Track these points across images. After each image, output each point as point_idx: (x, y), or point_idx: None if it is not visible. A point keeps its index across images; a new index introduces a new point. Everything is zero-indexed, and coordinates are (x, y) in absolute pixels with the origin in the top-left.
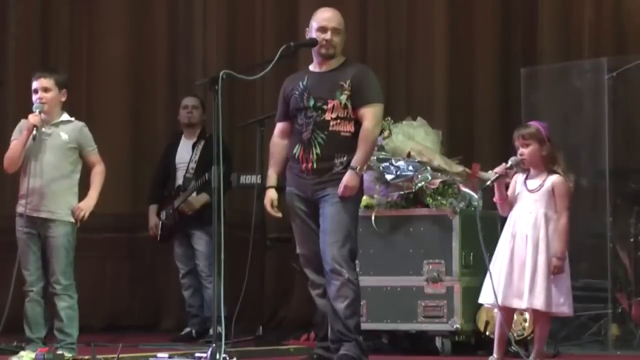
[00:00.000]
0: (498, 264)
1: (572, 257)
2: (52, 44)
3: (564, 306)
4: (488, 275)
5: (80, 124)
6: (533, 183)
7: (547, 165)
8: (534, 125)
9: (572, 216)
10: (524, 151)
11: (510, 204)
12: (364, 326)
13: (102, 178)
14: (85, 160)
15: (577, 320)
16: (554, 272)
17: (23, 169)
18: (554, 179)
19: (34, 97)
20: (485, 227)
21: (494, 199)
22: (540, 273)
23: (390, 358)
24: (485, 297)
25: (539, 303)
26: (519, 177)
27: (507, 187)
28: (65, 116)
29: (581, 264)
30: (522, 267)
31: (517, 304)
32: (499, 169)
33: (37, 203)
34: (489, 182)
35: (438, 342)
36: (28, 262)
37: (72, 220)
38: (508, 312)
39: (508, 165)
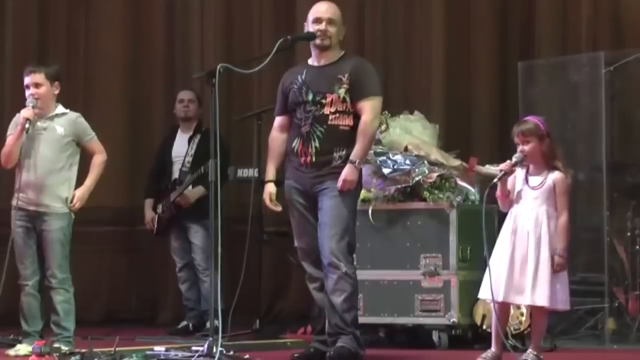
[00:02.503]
0: (498, 260)
1: (570, 251)
2: (49, 38)
3: (564, 303)
4: (488, 270)
5: (75, 114)
6: (534, 180)
7: (548, 161)
8: (533, 120)
9: (570, 211)
10: (525, 148)
11: (510, 200)
12: (361, 320)
13: (101, 168)
14: (85, 150)
15: (574, 314)
16: (556, 270)
17: (19, 163)
18: (555, 176)
19: (27, 93)
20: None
21: (496, 195)
22: (542, 269)
23: (387, 352)
24: (485, 292)
25: (542, 299)
26: (518, 173)
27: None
28: (60, 108)
29: (578, 258)
30: (523, 263)
31: (517, 300)
32: (504, 166)
33: (32, 197)
34: (495, 180)
35: (435, 336)
36: (23, 255)
37: (67, 211)
38: (504, 307)
39: (512, 162)
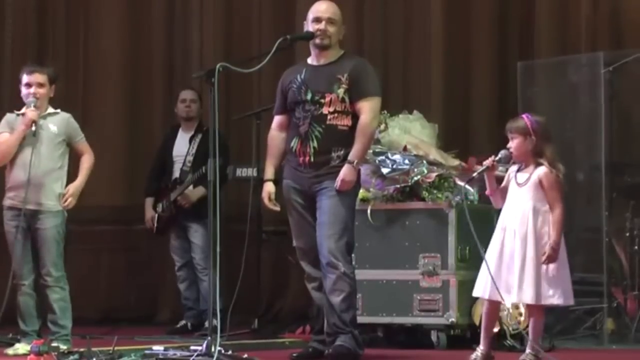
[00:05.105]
0: (488, 258)
1: (568, 251)
2: (48, 36)
3: (552, 297)
4: (483, 267)
5: (67, 115)
6: (522, 177)
7: (534, 158)
8: (522, 118)
9: (567, 209)
10: (511, 145)
11: (502, 196)
12: (360, 319)
13: (91, 166)
14: (74, 150)
15: (572, 314)
16: (546, 261)
17: (10, 162)
18: (540, 171)
19: (25, 91)
20: (481, 220)
21: (486, 192)
22: (528, 267)
23: (385, 351)
24: (478, 290)
25: (528, 297)
26: (512, 170)
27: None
28: (51, 109)
29: (577, 258)
30: (510, 261)
31: (504, 298)
32: (486, 162)
33: (26, 195)
34: (475, 174)
35: (433, 335)
36: (19, 254)
37: (61, 209)
38: (493, 305)
39: (496, 158)
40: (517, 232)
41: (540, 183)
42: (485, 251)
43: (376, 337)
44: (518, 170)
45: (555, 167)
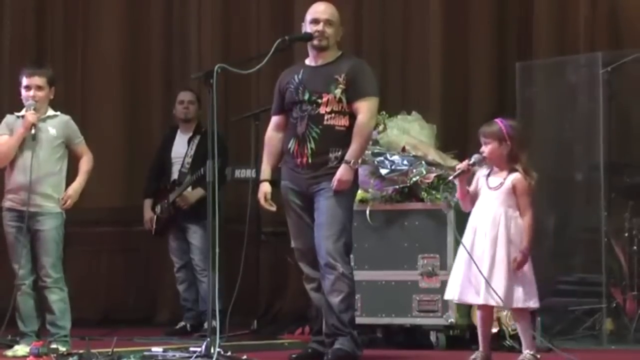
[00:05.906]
0: (459, 259)
1: (567, 251)
2: (47, 38)
3: (528, 301)
4: (453, 270)
5: (66, 117)
6: (494, 181)
7: (509, 164)
8: (497, 123)
9: (566, 209)
10: (485, 149)
11: (472, 200)
12: (359, 320)
13: (90, 168)
14: (73, 152)
15: (571, 314)
16: (516, 267)
17: (10, 164)
18: (513, 177)
19: (25, 94)
20: None
21: (456, 195)
22: (498, 270)
23: (384, 352)
24: (450, 293)
25: (495, 300)
26: (480, 173)
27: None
28: (50, 111)
29: (576, 258)
30: (480, 263)
31: (473, 299)
32: (461, 165)
33: (25, 197)
34: (450, 178)
35: (432, 336)
36: (18, 256)
37: (60, 210)
38: (487, 310)
39: (470, 162)
40: (487, 235)
41: (513, 188)
42: (456, 254)
43: (375, 337)
44: (489, 175)
45: (528, 174)
